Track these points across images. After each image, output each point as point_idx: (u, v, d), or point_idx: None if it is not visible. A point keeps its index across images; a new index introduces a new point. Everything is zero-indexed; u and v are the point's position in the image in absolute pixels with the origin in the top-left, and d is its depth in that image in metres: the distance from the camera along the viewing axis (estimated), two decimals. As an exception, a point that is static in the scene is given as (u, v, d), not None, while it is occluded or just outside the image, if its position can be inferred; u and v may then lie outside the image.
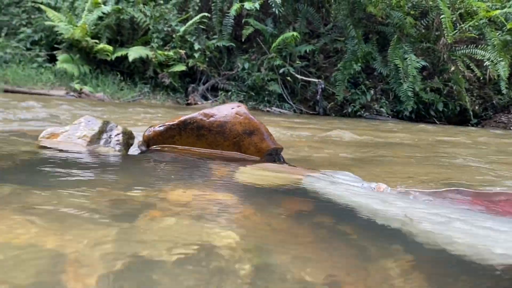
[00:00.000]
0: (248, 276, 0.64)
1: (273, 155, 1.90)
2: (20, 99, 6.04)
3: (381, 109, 9.84)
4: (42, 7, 10.05)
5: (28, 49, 10.19)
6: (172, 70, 9.74)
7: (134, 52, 9.42)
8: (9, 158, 1.48)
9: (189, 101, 9.87)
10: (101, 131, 1.82)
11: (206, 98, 10.04)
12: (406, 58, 9.46)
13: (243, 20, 9.82)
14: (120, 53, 9.60)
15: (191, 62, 9.82)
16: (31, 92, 9.40)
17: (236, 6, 9.43)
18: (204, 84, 10.26)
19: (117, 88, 9.63)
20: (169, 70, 9.76)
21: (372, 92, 9.94)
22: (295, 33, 9.52)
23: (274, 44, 9.69)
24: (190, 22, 9.77)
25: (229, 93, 9.94)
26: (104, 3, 9.96)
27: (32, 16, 10.48)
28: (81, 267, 0.64)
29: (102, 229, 0.79)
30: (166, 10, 9.96)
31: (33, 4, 10.44)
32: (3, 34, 10.30)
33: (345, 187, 1.38)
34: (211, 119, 1.84)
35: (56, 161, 1.52)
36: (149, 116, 5.17)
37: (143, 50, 9.64)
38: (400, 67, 9.44)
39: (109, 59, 9.77)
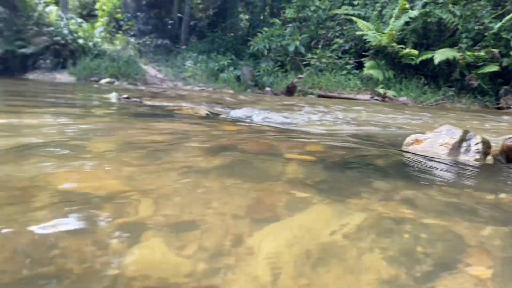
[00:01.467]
0: None
1: None
2: (335, 103, 6.86)
3: None
4: (353, 18, 11.10)
5: (339, 58, 11.47)
6: (481, 71, 9.05)
7: (440, 55, 9.22)
8: (382, 159, 1.68)
9: (500, 105, 8.93)
10: (462, 140, 1.88)
11: (521, 101, 8.84)
12: None
13: None
14: (425, 56, 9.59)
15: (505, 61, 8.84)
16: (340, 97, 10.56)
17: None
18: (520, 85, 9.06)
19: (420, 92, 9.67)
20: (478, 72, 9.10)
21: None
22: None
23: None
24: (508, 17, 8.78)
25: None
26: (411, 8, 10.12)
27: (344, 28, 11.72)
28: (481, 252, 0.74)
29: (481, 226, 0.89)
30: (479, 7, 9.27)
31: (345, 16, 11.64)
32: (320, 46, 11.93)
33: None
34: None
35: (422, 163, 1.64)
36: (474, 122, 4.91)
37: (449, 51, 9.32)
38: None
39: (413, 63, 9.91)
